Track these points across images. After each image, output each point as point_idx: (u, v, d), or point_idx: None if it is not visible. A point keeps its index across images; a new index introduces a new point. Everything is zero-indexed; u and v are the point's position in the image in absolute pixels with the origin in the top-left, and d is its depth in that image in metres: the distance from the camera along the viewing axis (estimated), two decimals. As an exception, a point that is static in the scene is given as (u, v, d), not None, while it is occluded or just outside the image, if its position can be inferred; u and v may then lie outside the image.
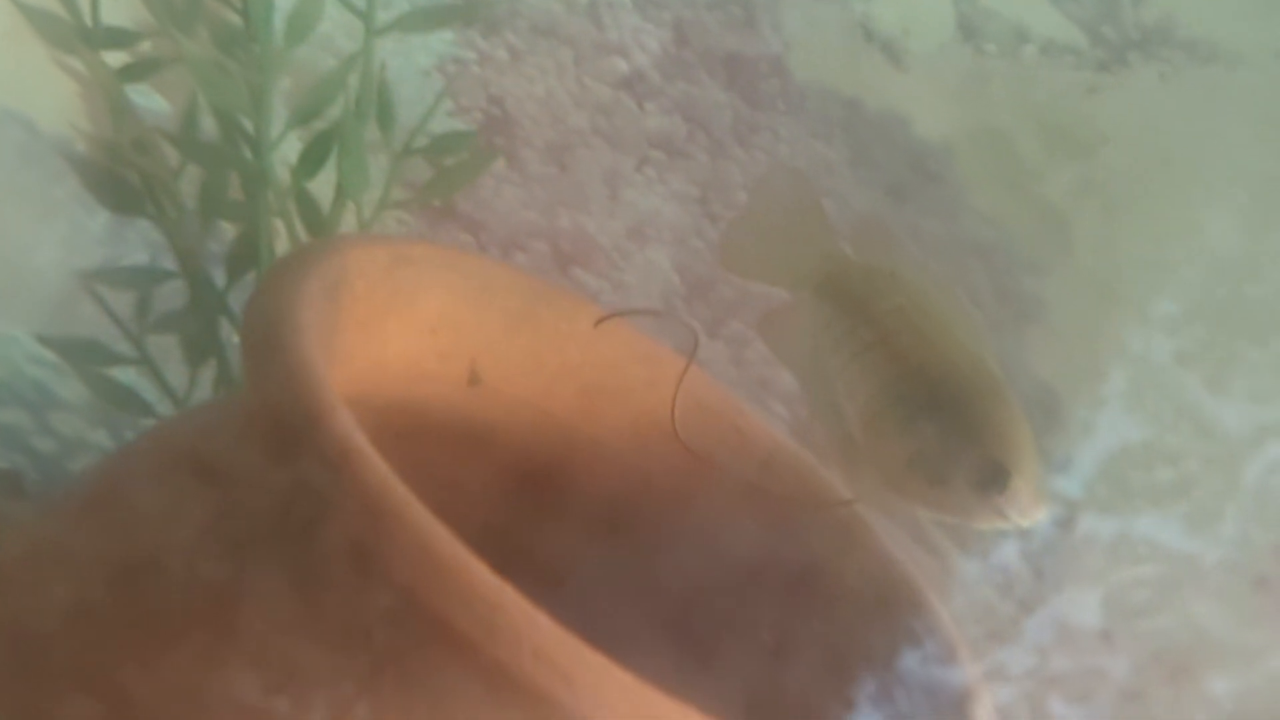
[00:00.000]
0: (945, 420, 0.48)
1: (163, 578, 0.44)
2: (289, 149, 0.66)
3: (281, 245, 0.65)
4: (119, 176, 0.66)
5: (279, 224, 0.66)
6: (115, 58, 0.65)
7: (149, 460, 0.48)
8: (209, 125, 0.66)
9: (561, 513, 0.57)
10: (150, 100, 0.70)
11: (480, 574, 0.40)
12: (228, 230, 0.67)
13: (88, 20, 0.64)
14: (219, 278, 0.66)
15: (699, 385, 0.59)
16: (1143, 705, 0.82)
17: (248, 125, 0.65)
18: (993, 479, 0.47)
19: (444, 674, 0.40)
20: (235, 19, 0.63)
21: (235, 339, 0.65)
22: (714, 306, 0.73)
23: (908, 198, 0.73)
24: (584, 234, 0.72)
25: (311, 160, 0.66)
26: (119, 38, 0.65)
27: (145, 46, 0.65)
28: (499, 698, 0.40)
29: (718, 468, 0.56)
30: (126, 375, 0.67)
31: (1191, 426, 0.76)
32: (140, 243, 0.70)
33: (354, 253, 0.50)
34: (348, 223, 0.65)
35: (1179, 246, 0.72)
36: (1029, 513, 0.47)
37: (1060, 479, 0.77)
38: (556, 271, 0.72)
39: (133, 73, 0.65)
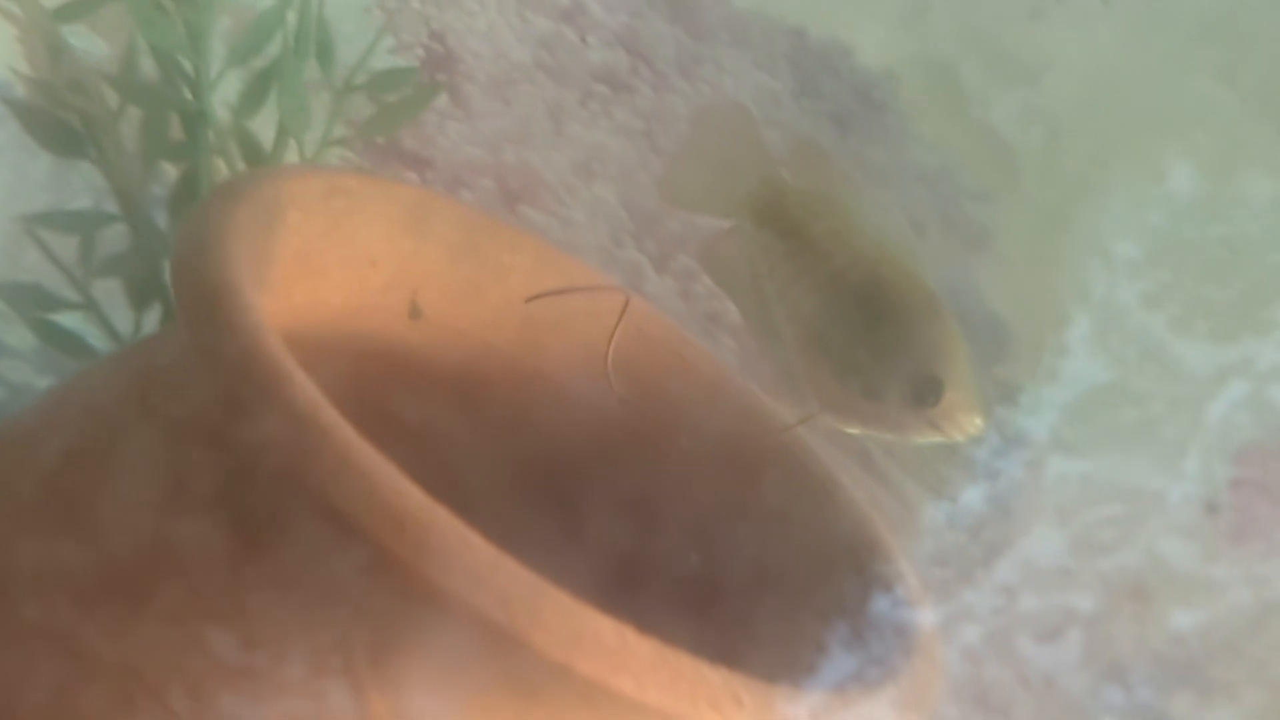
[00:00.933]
0: (878, 336, 0.48)
1: (96, 518, 0.44)
2: (229, 88, 0.65)
3: (223, 185, 0.64)
4: (60, 120, 0.65)
5: (221, 164, 0.65)
6: (51, -1, 0.64)
7: (81, 399, 0.48)
8: (148, 66, 0.65)
9: (506, 445, 0.57)
10: (88, 41, 0.69)
11: (411, 494, 0.39)
12: (170, 171, 0.66)
13: (21, -39, 0.63)
14: (162, 219, 0.66)
15: (641, 315, 0.58)
16: (1110, 641, 0.82)
17: (187, 65, 0.64)
18: (926, 392, 0.47)
19: (377, 597, 0.40)
20: (171, -43, 0.63)
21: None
22: (661, 241, 0.73)
23: (852, 127, 0.73)
24: (530, 170, 0.72)
25: (252, 99, 0.65)
26: (55, -22, 0.64)
27: (81, -14, 0.65)
28: (433, 619, 0.40)
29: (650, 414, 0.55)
30: (72, 320, 0.66)
31: (1156, 367, 0.76)
32: (83, 186, 0.70)
33: (288, 183, 0.50)
34: (290, 161, 0.65)
35: (1123, 170, 0.71)
36: (964, 426, 0.47)
37: (1027, 420, 0.77)
38: (503, 208, 0.72)
39: (69, 13, 0.64)
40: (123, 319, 0.66)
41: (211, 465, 0.42)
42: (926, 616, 0.50)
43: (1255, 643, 0.81)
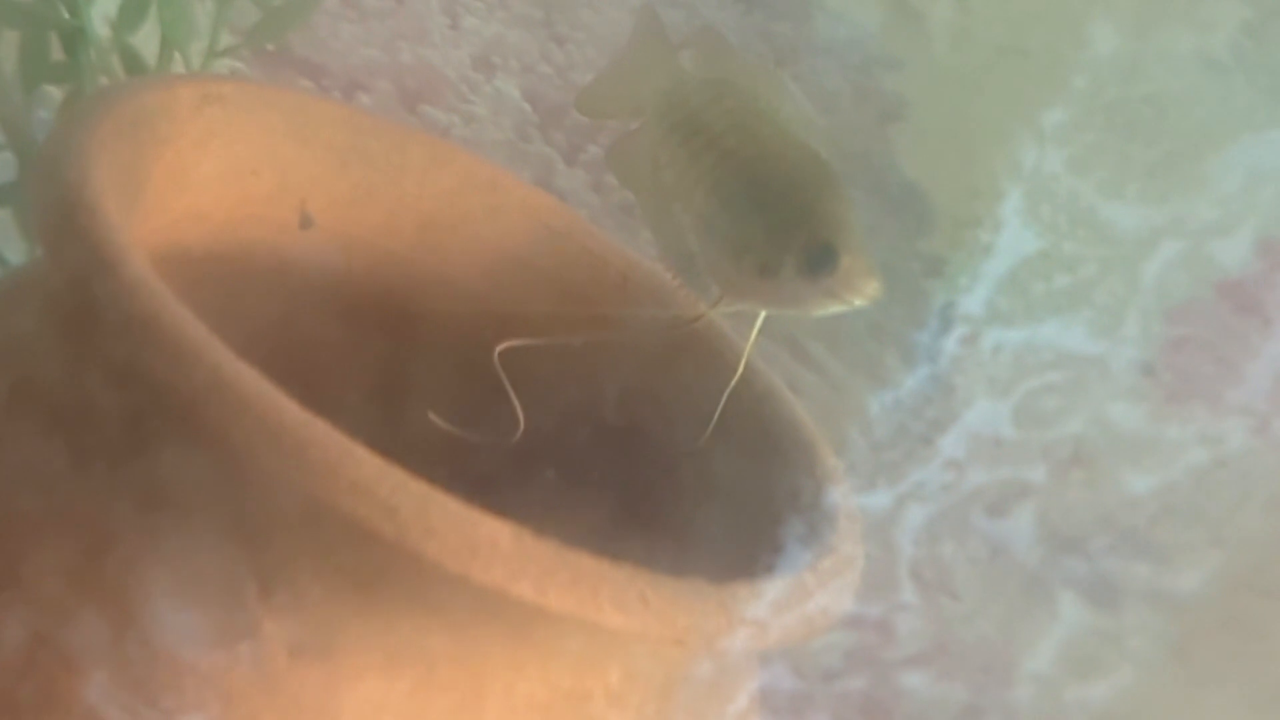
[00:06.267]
0: (770, 210, 0.46)
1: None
2: (108, 3, 0.63)
3: (108, 104, 0.62)
4: (-66, 48, 0.63)
5: (106, 83, 0.63)
6: (-88, -81, 0.62)
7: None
8: (21, -15, 0.63)
9: (410, 353, 0.55)
10: (-45, -36, 0.66)
11: (287, 409, 0.38)
12: (53, 94, 0.64)
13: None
14: (49, 144, 0.63)
15: (545, 210, 0.57)
16: (1065, 510, 0.82)
17: (62, -18, 0.62)
18: (821, 260, 0.45)
19: (259, 518, 0.38)
20: None
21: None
22: (569, 132, 0.71)
23: (757, 2, 0.70)
24: (428, 68, 0.69)
25: (131, 13, 0.63)
26: (-85, -103, 0.62)
27: (-56, -95, 0.62)
28: (320, 536, 0.38)
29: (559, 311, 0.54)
30: (-36, 255, 0.64)
31: (1086, 231, 0.75)
32: (-36, 116, 0.67)
33: (154, 94, 0.47)
34: (176, 73, 0.63)
35: (1040, 30, 0.70)
36: (862, 290, 0.45)
37: (963, 298, 0.75)
38: (404, 110, 0.70)
39: (-70, -65, 0.62)
40: (15, 250, 0.64)
41: (76, 390, 0.40)
42: (848, 504, 0.48)
43: (1209, 502, 0.81)
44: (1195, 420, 0.79)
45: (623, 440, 0.55)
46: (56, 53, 0.63)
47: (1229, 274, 0.76)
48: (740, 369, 0.50)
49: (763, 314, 0.49)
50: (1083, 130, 0.71)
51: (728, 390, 0.51)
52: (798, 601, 0.43)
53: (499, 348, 0.50)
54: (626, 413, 0.55)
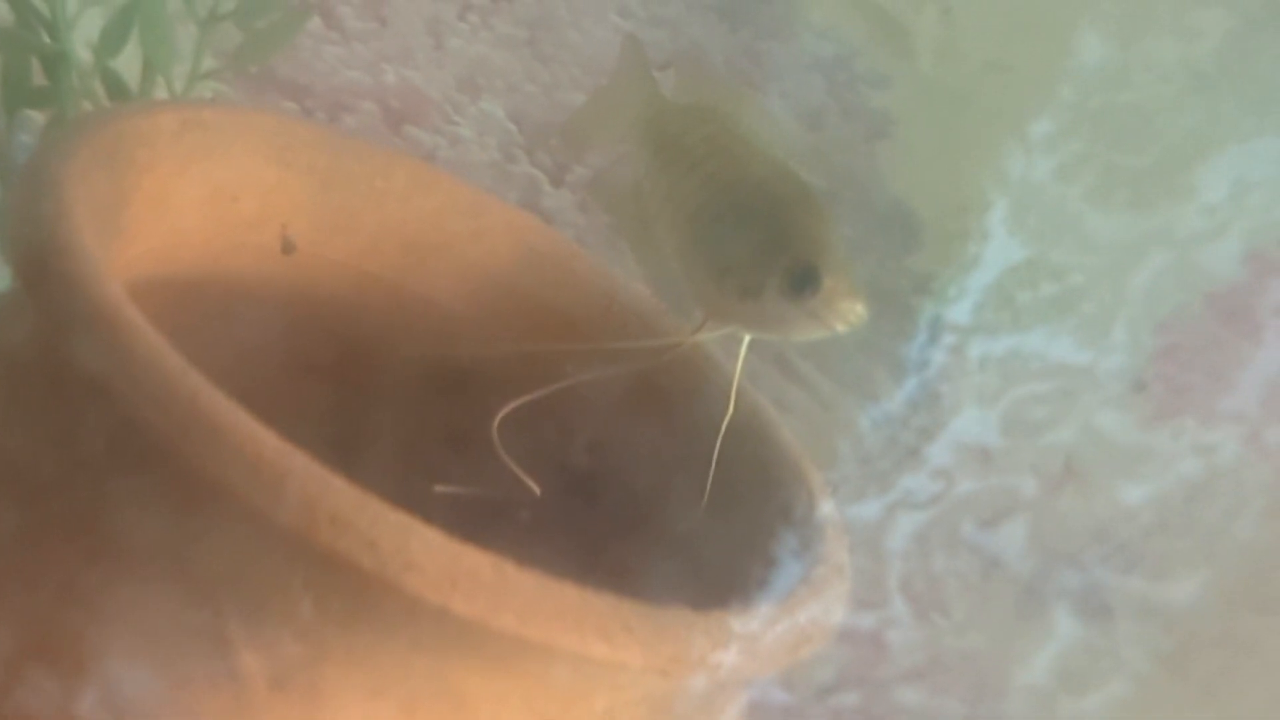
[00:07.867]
0: (752, 233, 0.46)
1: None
2: (89, 27, 0.63)
3: (90, 128, 0.62)
4: (-85, 74, 0.62)
5: (88, 107, 0.63)
6: (-109, -56, 0.61)
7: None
8: (0, 10, 0.62)
9: (396, 377, 0.55)
10: (-67, -10, 0.66)
11: (264, 440, 0.37)
12: (35, 119, 0.64)
13: None
14: (32, 169, 0.63)
15: (530, 232, 0.56)
16: (1056, 522, 0.81)
17: (41, 6, 0.61)
18: (803, 281, 0.45)
19: (239, 550, 0.38)
20: (18, -107, 0.60)
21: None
22: (555, 153, 0.71)
23: (742, 20, 0.70)
24: (413, 89, 0.69)
25: (113, 37, 0.63)
26: (-106, -77, 0.62)
27: (-77, -70, 0.62)
28: (301, 569, 0.38)
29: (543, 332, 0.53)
30: (-52, 281, 0.64)
31: (1074, 240, 0.75)
32: (-53, 142, 0.67)
33: (132, 121, 0.47)
34: (159, 98, 0.63)
35: (1025, 43, 0.69)
36: (845, 313, 0.45)
37: (949, 307, 0.75)
38: (388, 131, 0.69)
39: (-90, -40, 0.62)
40: (0, 275, 0.64)
41: (54, 420, 0.40)
42: (835, 525, 0.48)
43: (1202, 513, 0.80)
44: (1186, 430, 0.79)
45: (602, 471, 0.55)
46: (38, 77, 0.63)
47: (1217, 283, 0.76)
48: (731, 405, 0.50)
49: (747, 339, 0.49)
50: (1069, 139, 0.71)
51: (725, 422, 0.50)
52: (783, 628, 0.42)
53: (498, 416, 0.50)
54: (616, 436, 0.54)
